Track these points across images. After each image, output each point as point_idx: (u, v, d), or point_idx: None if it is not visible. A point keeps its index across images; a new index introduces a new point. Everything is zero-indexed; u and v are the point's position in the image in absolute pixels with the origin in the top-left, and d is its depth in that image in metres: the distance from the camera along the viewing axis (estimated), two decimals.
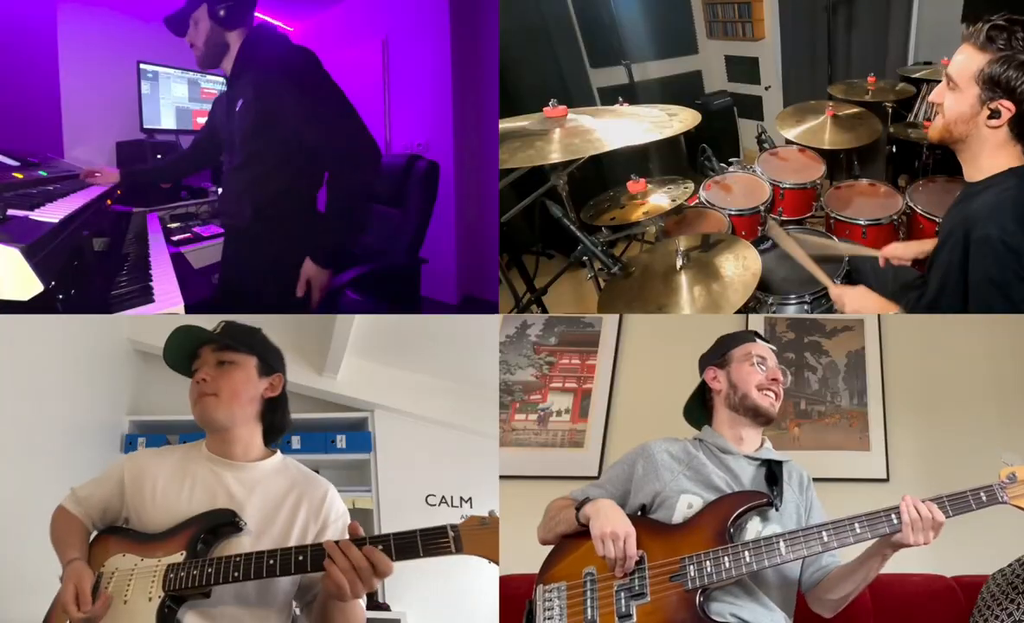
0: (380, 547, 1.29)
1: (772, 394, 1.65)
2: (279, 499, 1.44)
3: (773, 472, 1.58)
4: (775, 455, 1.64)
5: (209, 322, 1.55)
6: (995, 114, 1.57)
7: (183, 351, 1.52)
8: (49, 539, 1.44)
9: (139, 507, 1.43)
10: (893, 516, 1.41)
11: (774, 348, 1.73)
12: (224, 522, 1.38)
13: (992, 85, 1.56)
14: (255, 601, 1.37)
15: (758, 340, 1.72)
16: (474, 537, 1.29)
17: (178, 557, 1.34)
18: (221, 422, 1.48)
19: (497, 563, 1.31)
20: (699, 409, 1.75)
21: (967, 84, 1.59)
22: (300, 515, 1.43)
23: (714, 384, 1.70)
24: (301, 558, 1.30)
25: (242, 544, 1.37)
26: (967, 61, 1.59)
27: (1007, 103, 1.55)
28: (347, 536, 1.33)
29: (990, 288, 1.57)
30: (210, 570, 1.30)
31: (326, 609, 1.34)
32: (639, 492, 1.60)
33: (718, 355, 1.72)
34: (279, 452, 1.55)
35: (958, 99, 1.61)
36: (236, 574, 1.30)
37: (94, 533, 1.46)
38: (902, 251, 2.16)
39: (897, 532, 1.39)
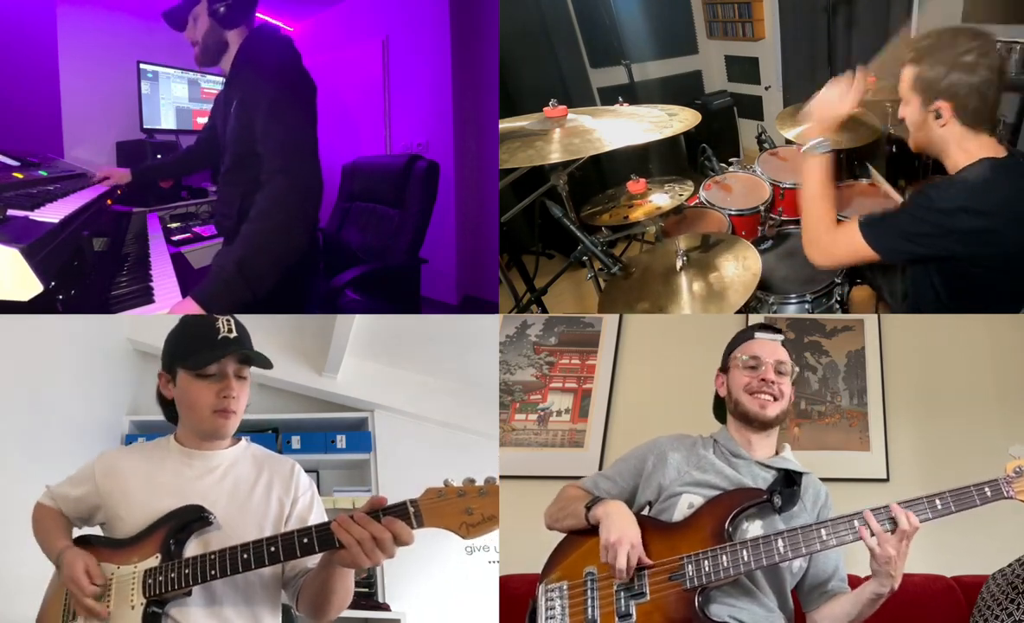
0: None
1: (764, 396, 1.58)
2: (251, 482, 1.47)
3: (791, 478, 1.54)
4: (793, 465, 1.58)
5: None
6: (938, 115, 1.68)
7: (213, 355, 1.43)
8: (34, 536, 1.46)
9: (114, 505, 1.43)
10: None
11: (778, 336, 1.67)
12: (192, 518, 1.38)
13: (925, 89, 1.69)
14: (240, 590, 1.38)
15: (759, 334, 1.67)
16: (434, 510, 1.30)
17: (153, 561, 1.35)
18: (229, 436, 1.50)
19: (465, 537, 1.28)
20: (723, 407, 1.72)
21: (908, 95, 1.74)
22: (274, 493, 1.46)
23: (721, 390, 1.70)
24: (273, 549, 1.30)
25: (216, 537, 1.38)
26: (904, 75, 1.74)
27: (942, 102, 1.67)
28: (316, 508, 1.45)
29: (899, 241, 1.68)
30: (187, 571, 1.32)
31: (329, 575, 1.34)
32: (647, 488, 1.60)
33: (723, 360, 1.71)
34: (242, 438, 1.56)
35: (909, 111, 1.75)
36: (213, 572, 1.31)
37: (75, 531, 1.47)
38: None
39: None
